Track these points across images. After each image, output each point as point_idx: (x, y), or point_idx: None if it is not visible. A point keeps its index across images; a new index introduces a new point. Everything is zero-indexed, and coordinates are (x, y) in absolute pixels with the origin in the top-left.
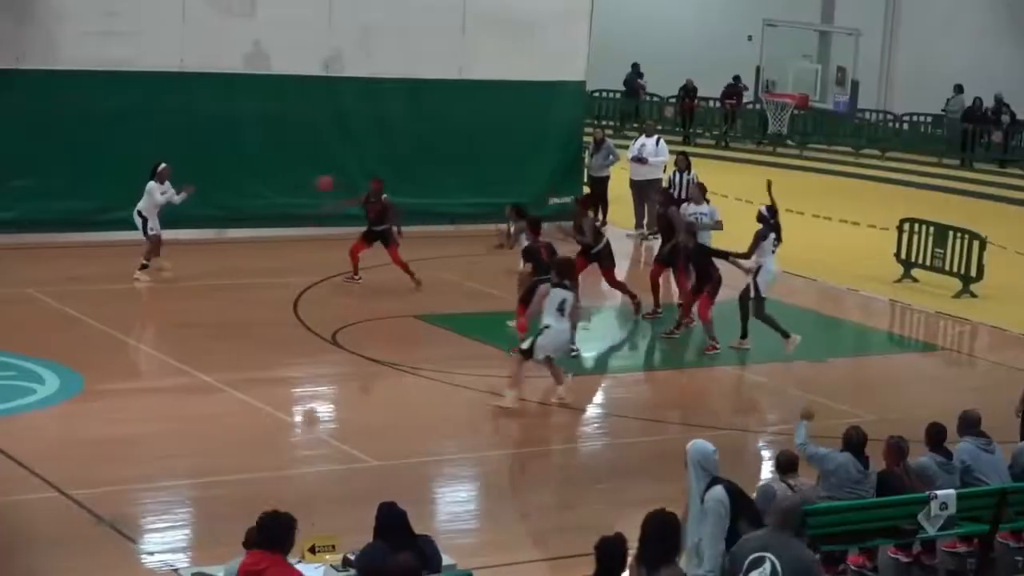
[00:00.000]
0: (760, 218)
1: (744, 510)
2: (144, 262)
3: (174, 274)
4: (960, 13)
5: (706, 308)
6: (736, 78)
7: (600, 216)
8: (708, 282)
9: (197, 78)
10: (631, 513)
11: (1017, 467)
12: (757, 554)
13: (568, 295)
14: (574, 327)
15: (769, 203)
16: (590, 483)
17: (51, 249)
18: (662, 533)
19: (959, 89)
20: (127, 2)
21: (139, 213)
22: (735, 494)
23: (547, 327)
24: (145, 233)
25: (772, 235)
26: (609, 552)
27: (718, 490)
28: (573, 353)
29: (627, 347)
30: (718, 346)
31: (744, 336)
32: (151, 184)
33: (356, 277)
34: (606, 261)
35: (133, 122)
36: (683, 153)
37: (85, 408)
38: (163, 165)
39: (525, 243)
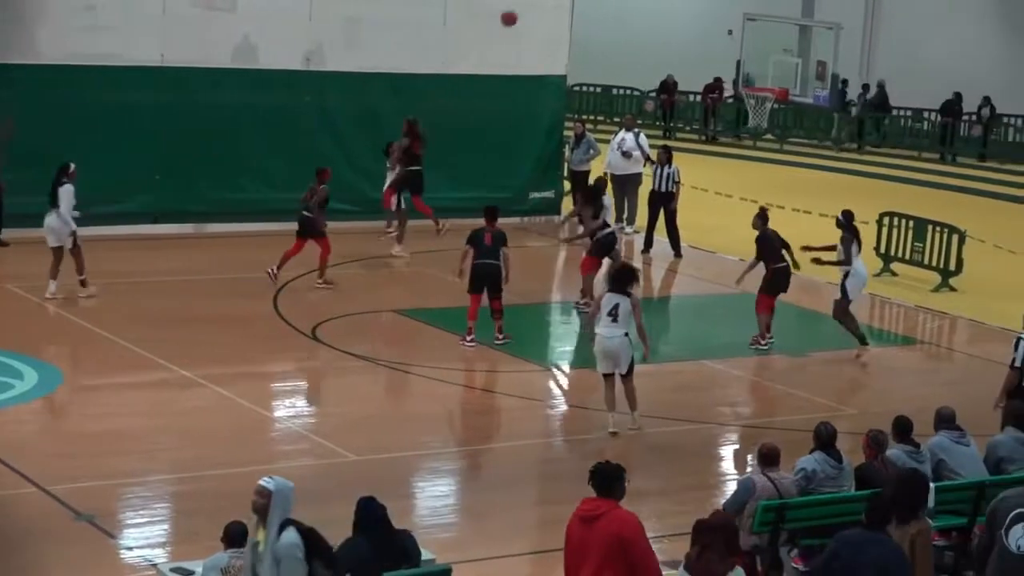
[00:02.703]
0: (839, 224)
1: (318, 553)
2: (81, 276)
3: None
4: (941, 7)
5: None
6: (717, 80)
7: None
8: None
9: (178, 72)
10: None
11: (991, 459)
12: (1020, 509)
13: (622, 299)
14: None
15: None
16: (570, 477)
17: (30, 244)
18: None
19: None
20: None
21: (65, 218)
22: (307, 535)
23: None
24: (76, 244)
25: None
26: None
27: (291, 534)
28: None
29: None
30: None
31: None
32: (69, 187)
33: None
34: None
35: (114, 117)
36: (665, 147)
37: (64, 403)
38: (73, 166)
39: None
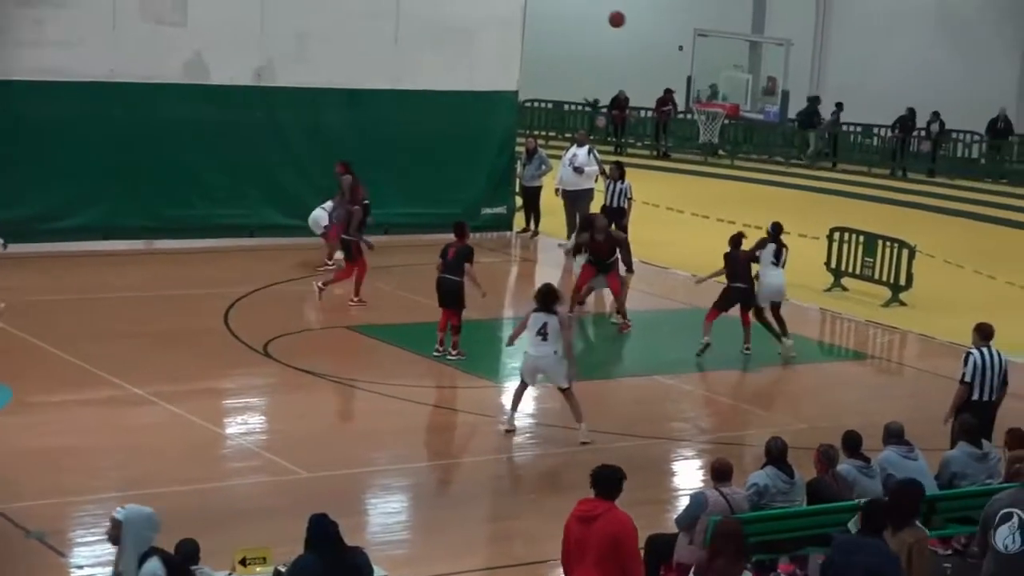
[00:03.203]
0: (768, 234)
1: None
2: None
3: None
4: (890, 24)
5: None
6: (668, 91)
7: (532, 226)
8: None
9: (128, 88)
10: (563, 522)
11: (944, 475)
12: (1006, 509)
13: (550, 318)
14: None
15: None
16: (522, 494)
17: None
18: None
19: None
20: (57, 11)
21: None
22: (173, 566)
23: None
24: None
25: (772, 247)
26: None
27: (152, 565)
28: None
29: None
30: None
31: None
32: None
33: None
34: (611, 268)
35: (64, 132)
36: (617, 163)
37: (13, 421)
38: None
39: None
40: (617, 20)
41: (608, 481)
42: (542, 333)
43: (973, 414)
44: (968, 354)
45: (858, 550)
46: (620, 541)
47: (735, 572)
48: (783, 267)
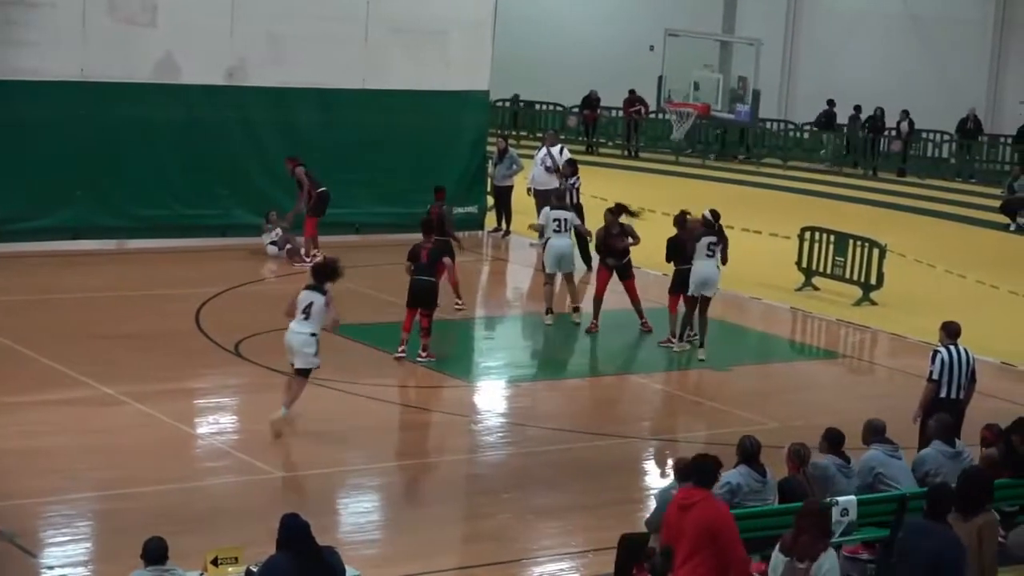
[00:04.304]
0: (705, 221)
1: None
2: None
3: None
4: (860, 24)
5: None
6: (631, 92)
7: (504, 225)
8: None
9: (98, 87)
10: (535, 522)
11: (918, 474)
12: None
13: (317, 296)
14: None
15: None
16: (495, 493)
17: None
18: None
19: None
20: (27, 11)
21: None
22: None
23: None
24: None
25: (707, 239)
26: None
27: None
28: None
29: (530, 356)
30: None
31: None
32: None
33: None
34: (629, 273)
35: (35, 132)
36: (571, 160)
37: None
38: None
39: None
40: None
41: (704, 470)
42: (306, 312)
43: (943, 412)
44: (936, 352)
45: (927, 535)
46: (716, 529)
47: (819, 548)
48: (721, 259)
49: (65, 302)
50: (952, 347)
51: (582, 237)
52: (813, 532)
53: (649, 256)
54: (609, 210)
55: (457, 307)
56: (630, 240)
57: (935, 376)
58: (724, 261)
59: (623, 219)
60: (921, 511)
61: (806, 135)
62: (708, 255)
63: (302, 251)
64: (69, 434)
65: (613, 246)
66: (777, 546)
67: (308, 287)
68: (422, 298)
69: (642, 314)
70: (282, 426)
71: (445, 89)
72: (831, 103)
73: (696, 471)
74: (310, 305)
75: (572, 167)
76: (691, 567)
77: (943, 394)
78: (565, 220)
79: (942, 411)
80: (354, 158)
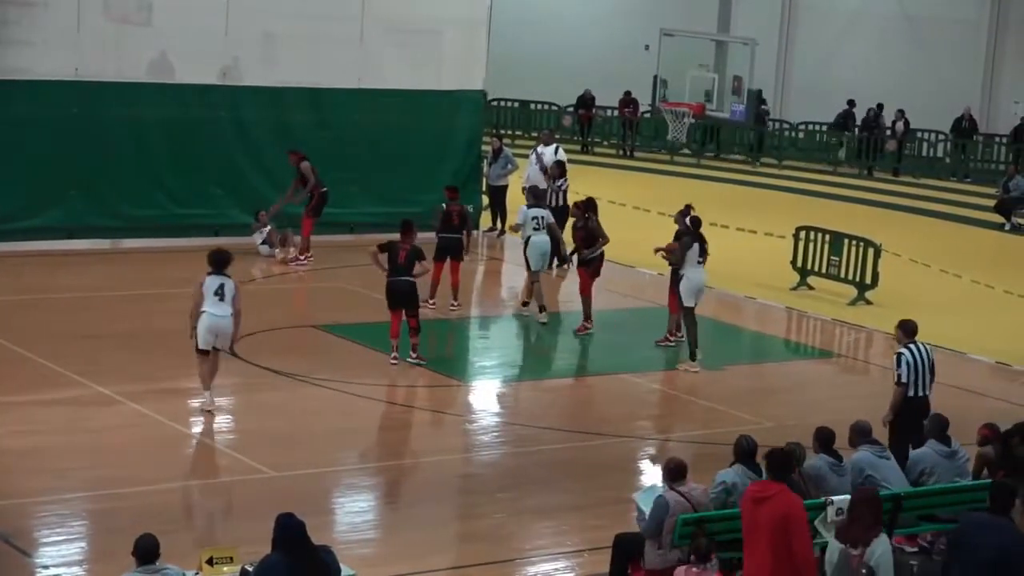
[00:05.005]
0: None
1: None
2: None
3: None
4: (855, 23)
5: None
6: (627, 93)
7: (498, 225)
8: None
9: (93, 87)
10: (530, 521)
11: (913, 473)
12: None
13: (226, 280)
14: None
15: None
16: (489, 492)
17: None
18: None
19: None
20: (22, 11)
21: None
22: None
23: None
24: None
25: (697, 245)
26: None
27: None
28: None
29: (525, 355)
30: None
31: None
32: None
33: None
34: (589, 267)
35: (29, 131)
36: (559, 162)
37: None
38: None
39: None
40: None
41: (780, 463)
42: (219, 294)
43: (912, 410)
44: (899, 354)
45: (988, 529)
46: (790, 521)
47: (873, 534)
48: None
49: (59, 301)
50: (912, 345)
51: (555, 238)
52: (866, 519)
53: (647, 256)
54: (576, 204)
55: (430, 304)
56: (601, 241)
57: (904, 379)
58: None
59: (590, 215)
60: (917, 509)
61: (801, 134)
62: (700, 262)
63: (293, 250)
64: (63, 433)
65: (575, 238)
66: (832, 533)
67: (212, 273)
68: (403, 299)
69: (547, 308)
70: (211, 406)
71: (440, 89)
72: (851, 103)
73: (773, 464)
74: (222, 287)
75: (560, 169)
76: (764, 559)
77: (912, 393)
78: (542, 217)
79: (912, 410)
80: (349, 158)
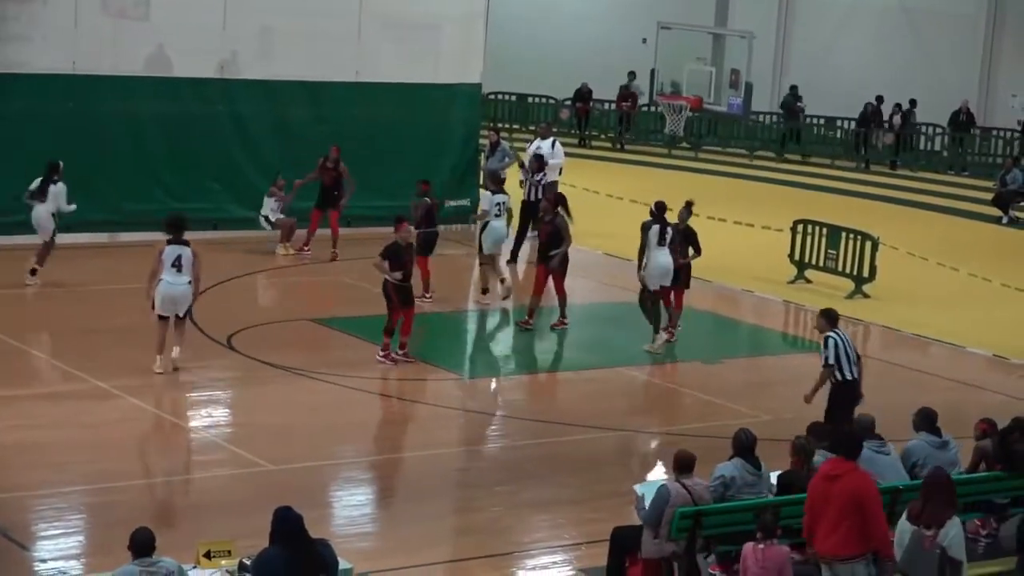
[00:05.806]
0: (651, 214)
1: None
2: (40, 266)
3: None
4: (853, 16)
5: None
6: (631, 74)
7: None
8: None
9: (90, 81)
10: (528, 515)
11: (905, 465)
12: None
13: (184, 250)
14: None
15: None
16: (486, 486)
17: None
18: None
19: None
20: (19, 5)
21: (55, 215)
22: None
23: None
24: (53, 240)
25: (657, 227)
26: None
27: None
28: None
29: (521, 349)
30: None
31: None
32: (62, 185)
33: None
34: (553, 264)
35: (26, 125)
36: (538, 155)
37: None
38: (61, 164)
39: None
40: None
41: (849, 443)
42: (177, 265)
43: (845, 393)
44: (828, 338)
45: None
46: (861, 499)
47: (946, 516)
48: (669, 247)
49: (57, 295)
50: (836, 332)
51: (561, 237)
52: (940, 500)
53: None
54: (546, 197)
55: (427, 297)
56: (565, 243)
57: (831, 360)
58: (698, 252)
59: (559, 212)
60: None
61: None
62: (659, 244)
63: (291, 248)
64: (61, 427)
65: (540, 230)
66: (904, 514)
67: (171, 242)
68: (409, 298)
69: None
70: (174, 364)
71: (437, 82)
72: (879, 99)
73: (843, 443)
74: (179, 257)
75: (539, 162)
76: (837, 536)
77: (845, 376)
78: (503, 203)
79: (846, 393)
80: (346, 152)
